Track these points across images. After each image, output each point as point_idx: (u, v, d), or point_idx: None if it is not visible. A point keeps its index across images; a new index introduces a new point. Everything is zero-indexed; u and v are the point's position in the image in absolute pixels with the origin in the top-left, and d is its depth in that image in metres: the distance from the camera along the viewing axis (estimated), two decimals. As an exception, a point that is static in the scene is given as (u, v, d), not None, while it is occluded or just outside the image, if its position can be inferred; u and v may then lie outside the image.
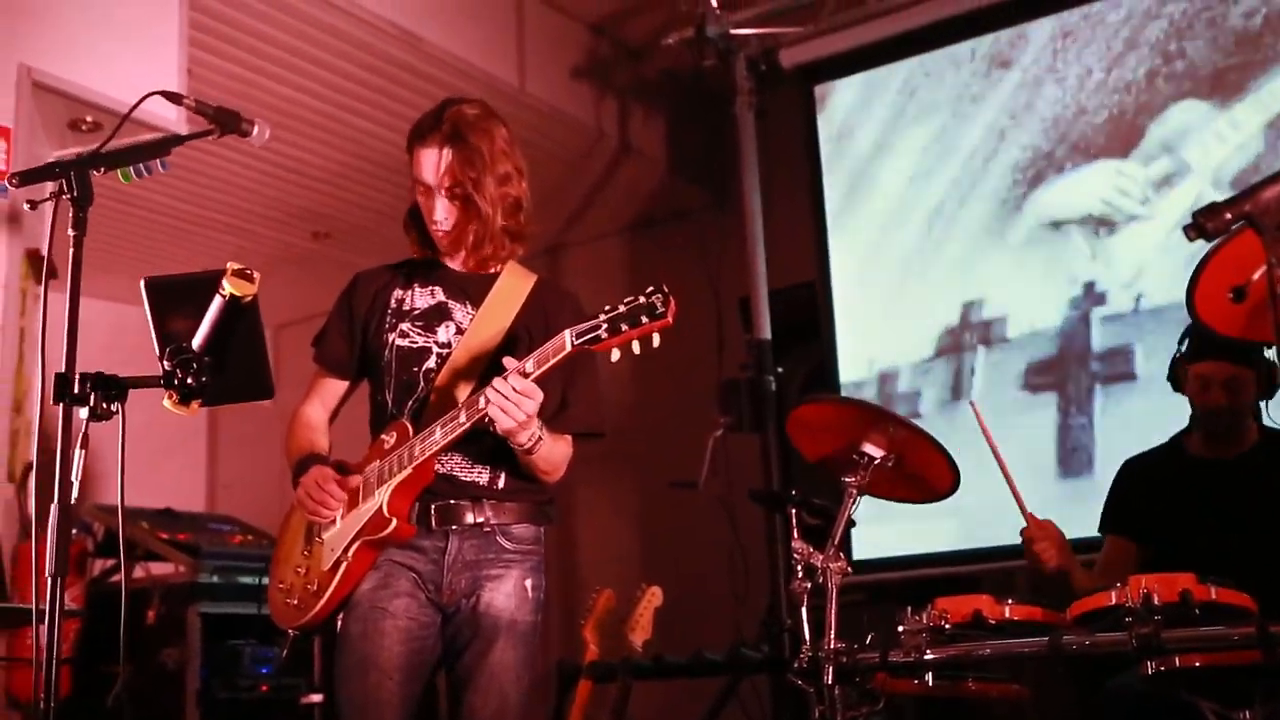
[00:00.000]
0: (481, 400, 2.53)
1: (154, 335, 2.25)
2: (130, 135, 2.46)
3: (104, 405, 2.17)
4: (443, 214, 2.77)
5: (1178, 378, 3.41)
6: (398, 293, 2.88)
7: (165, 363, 2.19)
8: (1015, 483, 3.23)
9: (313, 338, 2.98)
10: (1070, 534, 3.27)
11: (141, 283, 2.30)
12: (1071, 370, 5.13)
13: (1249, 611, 2.59)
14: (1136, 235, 5.11)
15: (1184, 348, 3.38)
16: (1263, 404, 3.36)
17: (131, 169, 2.44)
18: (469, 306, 2.83)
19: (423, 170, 2.77)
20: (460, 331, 2.81)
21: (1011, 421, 5.14)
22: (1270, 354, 3.19)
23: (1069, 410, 5.10)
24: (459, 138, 2.74)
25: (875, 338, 5.70)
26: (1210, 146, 4.98)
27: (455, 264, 2.89)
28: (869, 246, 5.83)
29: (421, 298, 2.86)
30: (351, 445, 2.88)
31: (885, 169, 5.79)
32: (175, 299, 2.29)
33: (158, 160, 2.48)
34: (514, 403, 2.49)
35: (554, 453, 2.72)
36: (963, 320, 5.42)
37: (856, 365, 5.72)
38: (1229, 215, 1.42)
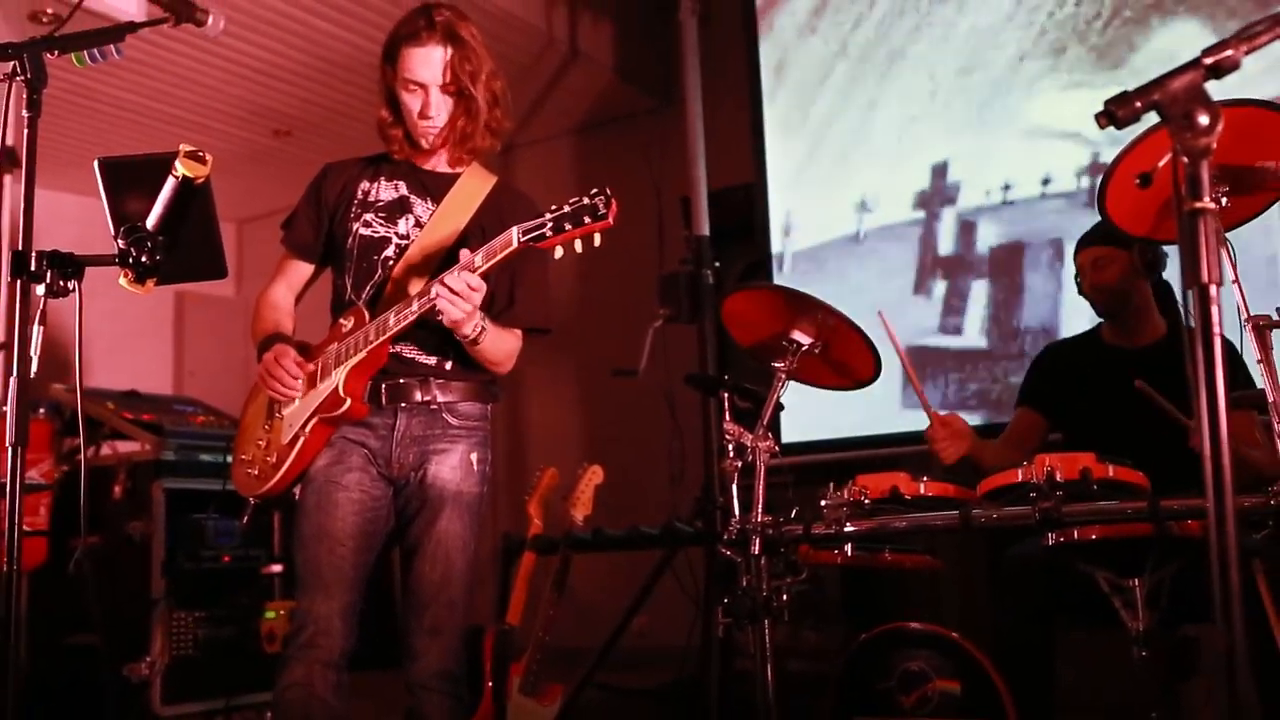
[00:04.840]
0: (433, 290, 2.55)
1: (109, 215, 2.18)
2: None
3: (60, 283, 2.12)
4: (437, 110, 2.76)
5: (1079, 287, 3.46)
6: (365, 184, 2.88)
7: (120, 241, 2.13)
8: (920, 385, 3.27)
9: (282, 222, 2.96)
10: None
11: (95, 163, 2.22)
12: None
13: (1143, 488, 2.65)
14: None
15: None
16: (1182, 307, 3.36)
17: (86, 54, 2.34)
18: (429, 202, 2.84)
19: (417, 69, 2.74)
20: (419, 225, 2.82)
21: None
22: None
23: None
24: (456, 37, 2.75)
25: (808, 238, 5.66)
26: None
27: (425, 163, 2.88)
28: (805, 150, 5.76)
29: (386, 190, 2.86)
30: (316, 330, 2.87)
31: (825, 75, 5.70)
32: (130, 180, 2.22)
33: (112, 46, 2.38)
34: (462, 295, 2.52)
35: (499, 346, 2.73)
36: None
37: (789, 263, 5.69)
38: (1139, 103, 1.39)
